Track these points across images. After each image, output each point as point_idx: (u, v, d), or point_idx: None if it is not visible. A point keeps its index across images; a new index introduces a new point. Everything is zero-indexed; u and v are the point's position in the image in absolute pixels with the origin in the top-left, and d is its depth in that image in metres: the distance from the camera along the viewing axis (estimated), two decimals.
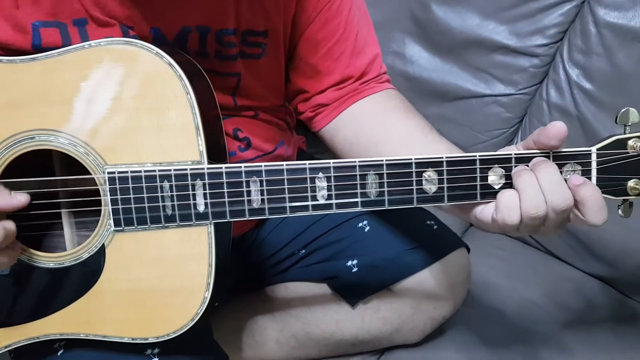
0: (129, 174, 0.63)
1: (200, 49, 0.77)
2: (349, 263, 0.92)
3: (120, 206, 0.64)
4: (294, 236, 0.97)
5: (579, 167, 0.62)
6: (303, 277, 0.98)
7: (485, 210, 0.64)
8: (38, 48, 0.69)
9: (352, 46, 0.83)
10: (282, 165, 0.62)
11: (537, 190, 0.59)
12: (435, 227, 0.95)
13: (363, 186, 0.63)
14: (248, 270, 1.00)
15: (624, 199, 0.64)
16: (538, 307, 1.11)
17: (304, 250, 0.97)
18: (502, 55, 1.22)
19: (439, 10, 1.26)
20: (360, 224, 0.94)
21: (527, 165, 0.61)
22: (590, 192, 0.59)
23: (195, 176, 0.63)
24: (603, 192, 0.62)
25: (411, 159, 0.62)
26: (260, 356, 0.98)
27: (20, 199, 0.63)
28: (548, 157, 0.61)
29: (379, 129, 0.81)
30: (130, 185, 0.63)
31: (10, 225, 0.62)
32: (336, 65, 0.83)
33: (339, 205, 0.64)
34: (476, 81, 1.26)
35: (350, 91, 0.84)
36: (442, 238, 0.94)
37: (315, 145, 1.10)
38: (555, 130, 0.59)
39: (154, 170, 0.63)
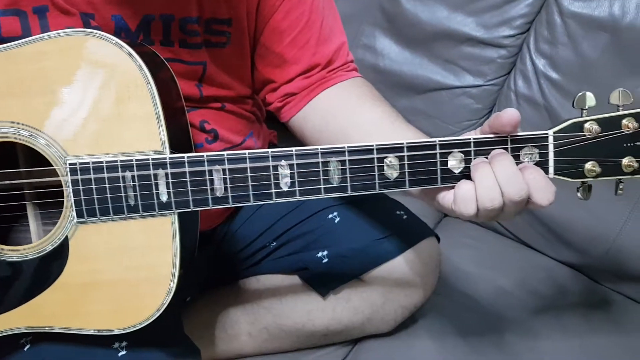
0: (91, 165, 0.63)
1: (165, 38, 0.77)
2: (320, 254, 0.92)
3: (82, 197, 0.64)
4: (264, 229, 0.97)
5: (537, 151, 0.63)
6: (274, 269, 0.98)
7: (446, 198, 0.65)
8: None
9: (318, 34, 0.84)
10: (245, 153, 0.63)
11: (492, 183, 0.60)
12: (405, 217, 0.96)
13: (326, 173, 0.64)
14: (220, 264, 1.00)
15: (582, 182, 0.65)
16: (510, 295, 1.12)
17: (275, 243, 0.97)
18: (471, 47, 1.23)
19: (408, 3, 1.27)
20: (330, 215, 0.94)
21: (487, 157, 0.62)
22: (532, 175, 0.61)
23: (157, 165, 0.63)
24: (561, 175, 0.64)
25: (372, 146, 0.63)
26: (233, 349, 0.98)
27: None
28: (506, 141, 0.62)
29: (348, 117, 0.82)
30: (92, 176, 0.63)
31: None
32: (302, 53, 0.84)
33: (302, 193, 0.64)
34: (445, 73, 1.28)
35: (318, 80, 0.85)
36: (411, 227, 0.95)
37: (288, 140, 1.10)
38: (508, 117, 0.60)
39: (116, 161, 0.63)
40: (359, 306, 0.94)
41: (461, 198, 0.61)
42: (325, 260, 0.92)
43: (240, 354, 0.98)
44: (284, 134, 1.10)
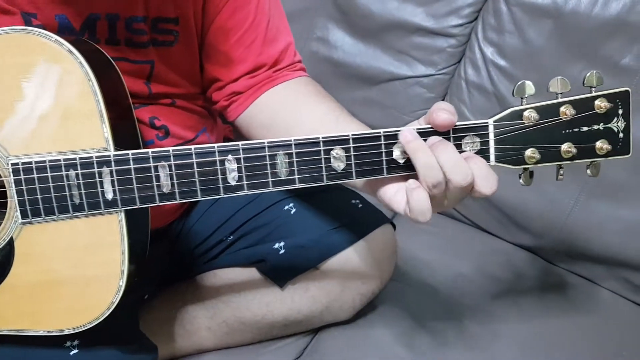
0: (33, 165, 0.62)
1: (110, 36, 0.76)
2: (276, 245, 0.93)
3: (26, 197, 0.63)
4: (220, 223, 0.97)
5: (478, 139, 0.64)
6: (232, 263, 0.98)
7: (394, 200, 0.66)
8: None
9: (264, 34, 0.84)
10: (191, 149, 0.63)
11: (433, 164, 0.61)
12: (360, 205, 0.97)
13: (273, 166, 0.64)
14: (176, 260, 1.00)
15: (524, 168, 0.66)
16: (467, 280, 1.14)
17: (231, 237, 0.97)
18: (421, 37, 1.25)
19: None
20: (286, 207, 0.95)
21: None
22: (476, 165, 0.62)
23: (101, 163, 0.62)
24: (502, 162, 0.65)
25: (319, 138, 0.64)
26: (193, 345, 0.98)
27: None
28: (448, 130, 0.63)
29: (292, 116, 0.83)
30: (35, 176, 0.62)
31: None
32: (248, 53, 0.84)
33: (250, 187, 0.64)
34: (398, 64, 1.29)
35: (264, 79, 0.85)
36: (366, 216, 0.96)
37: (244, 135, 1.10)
38: (440, 122, 0.62)
39: (59, 160, 0.62)
40: (317, 295, 0.95)
41: (419, 209, 0.62)
42: (282, 251, 0.92)
43: (200, 348, 0.98)
44: None
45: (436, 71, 1.26)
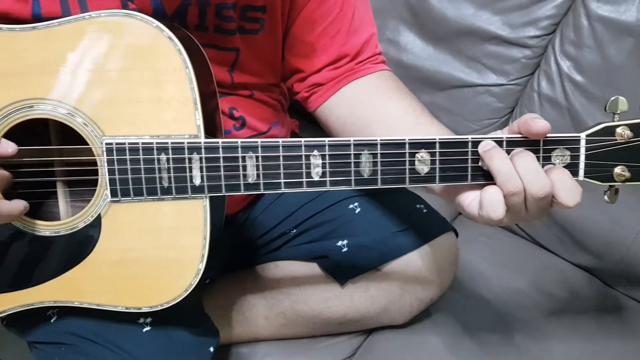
0: (127, 146, 0.64)
1: (200, 22, 0.77)
2: (339, 243, 0.93)
3: (117, 177, 0.65)
4: (285, 216, 0.98)
5: (568, 153, 0.63)
6: (293, 256, 0.99)
7: (472, 205, 0.66)
8: (38, 17, 0.69)
9: (348, 25, 0.84)
10: (278, 141, 0.64)
11: (511, 171, 0.61)
12: (424, 210, 0.97)
13: (357, 165, 0.64)
14: (239, 248, 1.01)
15: (610, 185, 0.65)
16: (523, 295, 1.13)
17: (295, 230, 0.98)
18: (495, 46, 1.23)
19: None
20: (351, 206, 0.95)
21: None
22: (558, 176, 0.61)
23: (192, 149, 0.64)
24: (590, 178, 0.64)
25: (405, 140, 0.64)
26: (250, 332, 0.99)
27: (7, 147, 0.63)
28: (538, 142, 0.63)
29: (372, 110, 0.83)
30: (128, 157, 0.64)
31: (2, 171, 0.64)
32: (332, 43, 0.84)
33: (332, 183, 0.65)
34: (469, 71, 1.28)
35: (346, 71, 0.85)
36: (431, 221, 0.96)
37: (308, 130, 1.11)
38: (538, 129, 0.61)
39: (152, 143, 0.64)
40: (376, 296, 0.95)
41: (489, 202, 0.62)
42: (345, 249, 0.93)
43: (256, 337, 0.99)
44: (304, 125, 1.12)
45: (508, 81, 1.25)
